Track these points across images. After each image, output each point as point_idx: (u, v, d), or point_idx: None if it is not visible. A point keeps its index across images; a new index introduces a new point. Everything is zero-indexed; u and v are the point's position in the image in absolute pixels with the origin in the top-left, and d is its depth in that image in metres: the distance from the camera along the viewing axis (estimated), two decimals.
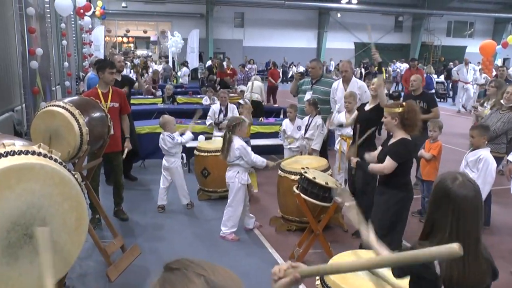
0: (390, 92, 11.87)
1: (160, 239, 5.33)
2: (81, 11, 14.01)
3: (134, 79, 9.02)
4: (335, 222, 5.63)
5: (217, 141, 6.72)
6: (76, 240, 2.23)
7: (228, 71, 17.34)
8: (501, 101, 6.13)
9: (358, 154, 5.01)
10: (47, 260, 1.85)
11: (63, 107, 3.76)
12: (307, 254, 4.70)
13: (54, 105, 3.83)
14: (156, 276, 1.09)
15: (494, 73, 15.56)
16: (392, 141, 4.17)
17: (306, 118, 6.88)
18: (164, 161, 6.13)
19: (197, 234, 5.51)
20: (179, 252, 4.86)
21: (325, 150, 7.01)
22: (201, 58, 26.45)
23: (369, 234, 2.25)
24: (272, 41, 32.78)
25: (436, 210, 2.05)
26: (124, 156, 5.75)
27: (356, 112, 5.73)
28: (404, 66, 22.40)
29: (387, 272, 2.42)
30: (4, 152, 2.02)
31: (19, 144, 2.14)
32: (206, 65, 22.13)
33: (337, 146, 6.58)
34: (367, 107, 5.51)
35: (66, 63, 11.35)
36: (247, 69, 17.45)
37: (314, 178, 4.53)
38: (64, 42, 11.17)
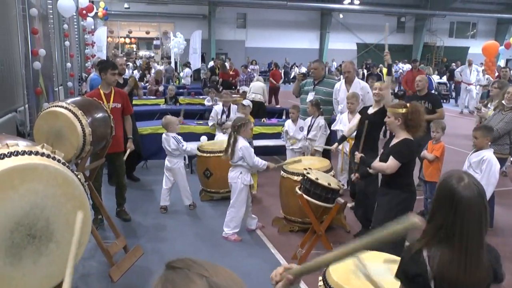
0: (395, 91, 11.86)
1: (162, 239, 5.34)
2: (84, 12, 14.03)
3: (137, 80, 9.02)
4: (338, 223, 5.62)
5: (219, 142, 6.72)
6: (80, 240, 2.23)
7: (231, 72, 17.35)
8: (503, 101, 6.12)
9: (362, 151, 4.99)
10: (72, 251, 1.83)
11: (66, 108, 3.77)
12: (310, 255, 4.70)
13: (57, 106, 3.84)
14: (158, 274, 1.09)
15: (496, 74, 15.52)
16: (394, 141, 4.16)
17: (309, 119, 6.88)
18: (166, 162, 6.13)
19: (200, 235, 5.51)
20: (181, 252, 4.86)
21: (328, 151, 7.00)
22: (203, 59, 26.46)
23: None
24: (275, 42, 32.78)
25: (438, 209, 2.03)
26: (125, 156, 5.75)
27: (355, 121, 5.72)
28: (407, 67, 22.36)
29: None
30: (8, 153, 2.03)
31: (22, 144, 2.14)
32: (209, 66, 22.15)
33: (339, 147, 6.57)
34: (370, 111, 5.50)
35: (68, 64, 11.37)
36: (249, 70, 17.44)
37: (317, 179, 4.53)
38: (67, 43, 11.19)
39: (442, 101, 18.07)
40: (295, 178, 5.31)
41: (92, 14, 15.66)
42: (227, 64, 18.51)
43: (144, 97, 12.49)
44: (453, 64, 23.41)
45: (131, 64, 20.45)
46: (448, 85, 21.32)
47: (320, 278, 2.98)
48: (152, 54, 32.10)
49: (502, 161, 5.75)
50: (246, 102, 7.71)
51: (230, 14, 32.33)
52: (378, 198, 4.38)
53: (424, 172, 5.92)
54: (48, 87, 8.22)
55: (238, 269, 4.54)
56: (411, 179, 4.25)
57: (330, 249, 4.68)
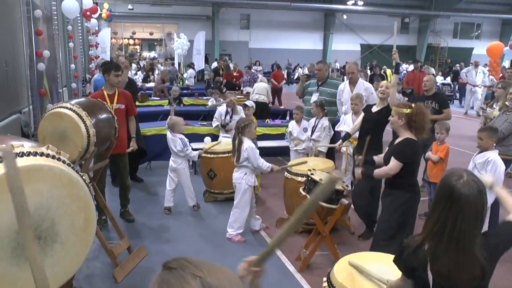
0: (403, 89, 11.81)
1: (166, 240, 5.34)
2: (88, 13, 14.06)
3: (141, 81, 9.04)
4: (342, 224, 5.61)
5: (223, 143, 6.71)
6: (84, 241, 2.24)
7: (235, 73, 17.34)
8: (506, 102, 6.10)
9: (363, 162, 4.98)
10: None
11: (70, 109, 3.78)
12: (314, 256, 4.69)
13: (61, 107, 3.85)
14: (152, 273, 1.09)
15: (500, 74, 15.45)
16: (397, 141, 4.15)
17: (313, 119, 6.87)
18: (171, 162, 6.14)
19: (203, 236, 5.51)
20: (185, 253, 4.83)
21: (332, 152, 6.99)
22: (207, 60, 26.48)
23: None
24: (278, 43, 32.78)
25: (437, 205, 2.07)
26: (129, 150, 5.74)
27: (359, 120, 5.71)
28: (412, 67, 22.31)
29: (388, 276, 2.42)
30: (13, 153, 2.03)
31: (27, 145, 2.15)
32: (212, 67, 22.15)
33: (343, 149, 6.56)
34: (374, 109, 5.48)
35: (72, 65, 11.39)
36: (253, 71, 17.43)
37: (321, 179, 4.52)
38: (71, 44, 11.21)
39: None
40: (299, 179, 5.31)
41: (96, 15, 15.68)
42: (231, 65, 18.51)
43: (154, 98, 12.56)
44: (457, 65, 23.34)
45: (134, 65, 20.48)
46: (452, 86, 21.27)
47: (325, 279, 2.97)
48: (156, 55, 32.15)
49: (507, 162, 5.71)
50: (249, 103, 7.71)
51: (234, 15, 32.35)
52: (382, 199, 4.37)
53: (429, 173, 5.90)
54: (52, 88, 8.24)
55: None
56: (415, 179, 4.23)
57: (334, 250, 4.67)
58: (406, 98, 10.42)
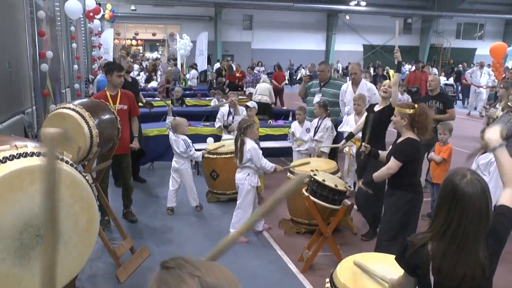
0: (408, 88, 11.80)
1: (169, 241, 5.34)
2: (91, 14, 14.09)
3: (143, 81, 9.07)
4: (345, 225, 5.60)
5: (226, 143, 6.72)
6: (87, 241, 2.24)
7: (237, 74, 17.34)
8: (508, 103, 6.08)
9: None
10: None
11: (73, 110, 3.79)
12: (317, 257, 4.69)
13: (64, 108, 3.86)
14: (154, 273, 1.10)
15: (503, 75, 15.41)
16: (399, 141, 4.15)
17: (315, 120, 6.87)
18: (174, 163, 6.14)
19: (206, 236, 5.51)
20: (187, 253, 4.83)
21: (334, 152, 6.99)
22: (209, 61, 26.49)
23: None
24: (281, 43, 32.77)
25: (442, 205, 2.08)
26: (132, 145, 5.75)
27: (362, 119, 5.71)
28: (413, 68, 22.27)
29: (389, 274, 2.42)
30: (17, 154, 2.04)
31: (31, 146, 2.15)
32: (215, 68, 22.16)
33: (346, 149, 6.56)
34: (376, 108, 5.50)
35: (75, 66, 11.43)
36: (255, 72, 17.43)
37: (324, 180, 4.52)
38: (74, 45, 11.25)
39: None
40: None
41: (99, 16, 15.74)
42: (233, 65, 18.51)
43: (150, 98, 12.52)
44: (460, 65, 23.28)
45: (137, 66, 20.50)
46: (455, 86, 21.22)
47: (327, 280, 2.97)
48: (159, 56, 32.20)
49: None
50: (251, 104, 7.70)
51: (237, 15, 32.36)
52: (385, 200, 4.37)
53: (432, 174, 5.89)
54: (55, 89, 8.27)
55: (244, 270, 4.54)
56: (417, 179, 4.22)
57: (337, 251, 4.67)
58: (408, 97, 10.42)
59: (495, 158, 2.37)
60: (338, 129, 6.91)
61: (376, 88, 7.23)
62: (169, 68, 17.25)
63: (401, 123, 4.05)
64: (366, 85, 6.91)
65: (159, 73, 20.04)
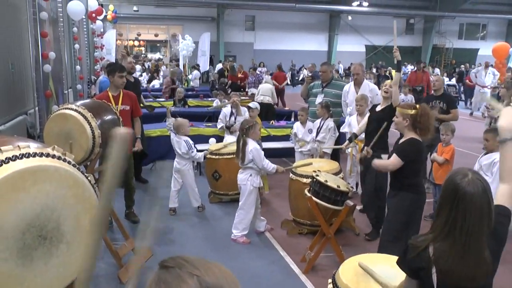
0: (413, 87, 11.79)
1: (171, 241, 5.34)
2: (93, 15, 14.11)
3: (146, 82, 9.08)
4: (347, 226, 5.60)
5: (228, 144, 6.72)
6: (90, 242, 2.24)
7: (239, 75, 17.34)
8: (511, 104, 6.08)
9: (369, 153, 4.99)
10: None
11: (75, 110, 3.80)
12: (319, 258, 4.69)
13: (67, 108, 3.87)
14: (153, 273, 1.09)
15: (507, 75, 15.38)
16: (401, 141, 4.14)
17: (318, 121, 6.87)
18: (175, 163, 6.14)
19: (208, 237, 5.52)
20: (189, 254, 4.84)
21: (336, 153, 6.98)
22: (211, 61, 26.50)
23: None
24: (283, 44, 32.76)
25: (443, 205, 2.07)
26: (134, 148, 5.75)
27: (365, 120, 5.72)
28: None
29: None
30: (20, 154, 2.04)
31: (33, 146, 2.16)
32: (217, 69, 22.16)
33: (348, 150, 6.55)
34: (378, 108, 5.52)
35: (78, 67, 11.45)
36: (258, 72, 17.43)
37: (326, 181, 4.52)
38: (77, 46, 11.27)
39: None
40: (304, 180, 5.30)
41: (101, 17, 15.74)
42: (235, 65, 18.51)
43: (151, 99, 12.54)
44: (462, 66, 23.25)
45: (139, 67, 20.52)
46: (457, 87, 21.18)
47: (330, 280, 2.97)
48: (161, 57, 32.22)
49: None
50: (253, 104, 7.71)
51: (239, 16, 32.37)
52: (388, 200, 4.37)
53: (434, 175, 5.88)
54: (58, 90, 8.28)
55: (246, 271, 4.54)
56: (419, 179, 4.22)
57: (339, 251, 4.66)
58: (412, 97, 10.40)
59: (500, 149, 2.25)
60: (340, 130, 6.91)
61: (379, 89, 7.24)
62: (171, 69, 17.26)
63: (403, 123, 4.05)
64: (368, 86, 6.90)
65: (161, 73, 20.05)
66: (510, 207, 2.14)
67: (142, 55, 30.70)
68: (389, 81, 5.67)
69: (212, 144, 7.38)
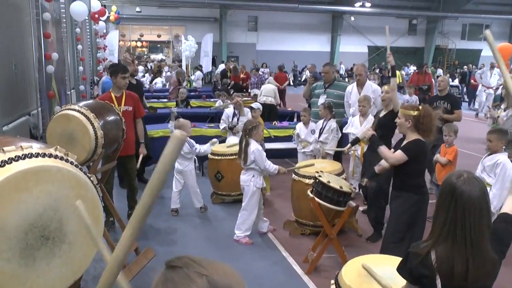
0: (420, 87, 11.80)
1: (173, 242, 5.35)
2: (96, 16, 14.15)
3: (148, 83, 9.09)
4: (350, 227, 5.59)
5: (230, 145, 6.72)
6: (92, 242, 2.24)
7: (242, 75, 17.34)
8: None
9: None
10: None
11: (78, 111, 3.80)
12: (321, 258, 4.68)
13: (70, 109, 3.87)
14: (158, 273, 1.09)
15: None
16: (405, 141, 4.13)
17: (320, 121, 6.86)
18: (177, 164, 6.13)
19: (211, 238, 5.51)
20: (192, 255, 4.85)
21: (339, 154, 6.97)
22: (214, 62, 26.50)
23: None
24: (286, 44, 32.75)
25: (441, 207, 2.08)
26: (139, 163, 5.75)
27: (368, 121, 5.76)
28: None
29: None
30: (22, 155, 2.04)
31: (36, 147, 2.16)
32: (219, 69, 22.17)
33: (351, 152, 6.54)
34: (381, 114, 5.57)
35: (80, 68, 11.47)
36: (260, 73, 17.42)
37: (329, 182, 4.51)
38: (79, 46, 11.30)
39: None
40: (307, 181, 5.30)
41: (104, 18, 15.78)
42: (237, 65, 18.53)
43: (155, 100, 12.59)
44: (465, 67, 23.20)
45: (142, 67, 20.56)
46: (460, 88, 21.13)
47: (333, 281, 2.96)
48: (164, 57, 32.26)
49: None
50: (255, 105, 7.71)
51: (241, 17, 32.39)
52: (391, 202, 4.35)
53: (437, 176, 5.87)
54: (61, 91, 8.30)
55: (249, 272, 4.54)
56: (422, 180, 4.21)
57: (342, 252, 4.65)
58: (417, 98, 10.39)
59: None
60: (343, 131, 6.90)
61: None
62: (177, 69, 17.26)
63: (406, 125, 4.03)
64: (371, 87, 6.89)
65: (163, 74, 20.07)
66: None
67: (145, 56, 30.75)
68: (386, 87, 5.68)
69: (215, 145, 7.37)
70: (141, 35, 32.54)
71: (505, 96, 7.46)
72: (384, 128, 5.24)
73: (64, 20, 10.11)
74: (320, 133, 6.79)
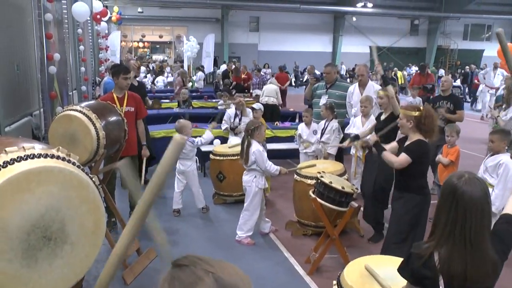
0: (424, 85, 11.80)
1: (175, 242, 5.35)
2: (98, 16, 14.16)
3: (150, 83, 9.09)
4: (352, 227, 5.59)
5: (232, 145, 6.72)
6: (94, 242, 2.24)
7: (243, 76, 17.34)
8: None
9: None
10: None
11: (80, 111, 3.80)
12: (323, 259, 4.68)
13: (71, 110, 3.87)
14: (164, 272, 1.09)
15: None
16: (407, 142, 4.13)
17: (322, 122, 6.86)
18: (179, 165, 6.13)
19: (213, 238, 5.51)
20: None
21: (341, 154, 6.97)
22: (216, 63, 26.50)
23: None
24: (287, 45, 32.72)
25: (442, 208, 2.08)
26: (144, 167, 5.74)
27: (370, 122, 5.75)
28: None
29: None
30: (24, 156, 2.04)
31: (38, 147, 2.16)
32: (221, 70, 22.16)
33: (353, 151, 6.54)
34: (382, 117, 5.59)
35: (82, 68, 11.48)
36: (262, 74, 17.41)
37: (331, 182, 4.51)
38: (81, 47, 11.30)
39: None
40: (309, 181, 5.29)
41: (106, 18, 15.81)
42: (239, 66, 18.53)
43: (166, 100, 12.66)
44: (467, 67, 23.16)
45: (144, 68, 20.56)
46: (462, 88, 21.09)
47: (335, 282, 2.96)
48: (165, 58, 32.28)
49: None
50: (257, 105, 7.71)
51: (243, 17, 32.38)
52: (393, 203, 4.34)
53: (439, 177, 5.86)
54: (63, 91, 8.30)
55: (251, 272, 4.53)
56: (425, 181, 4.20)
57: (344, 253, 4.65)
58: (420, 100, 10.37)
59: None
60: (345, 131, 6.89)
61: None
62: (180, 69, 17.27)
63: (407, 125, 4.03)
64: (373, 87, 6.89)
65: (165, 74, 20.09)
66: None
67: (147, 57, 30.77)
68: (380, 92, 5.72)
69: (216, 145, 7.38)
70: (143, 36, 32.55)
71: (506, 97, 7.44)
72: (386, 133, 5.23)
73: (66, 20, 10.09)
74: (322, 134, 6.79)
